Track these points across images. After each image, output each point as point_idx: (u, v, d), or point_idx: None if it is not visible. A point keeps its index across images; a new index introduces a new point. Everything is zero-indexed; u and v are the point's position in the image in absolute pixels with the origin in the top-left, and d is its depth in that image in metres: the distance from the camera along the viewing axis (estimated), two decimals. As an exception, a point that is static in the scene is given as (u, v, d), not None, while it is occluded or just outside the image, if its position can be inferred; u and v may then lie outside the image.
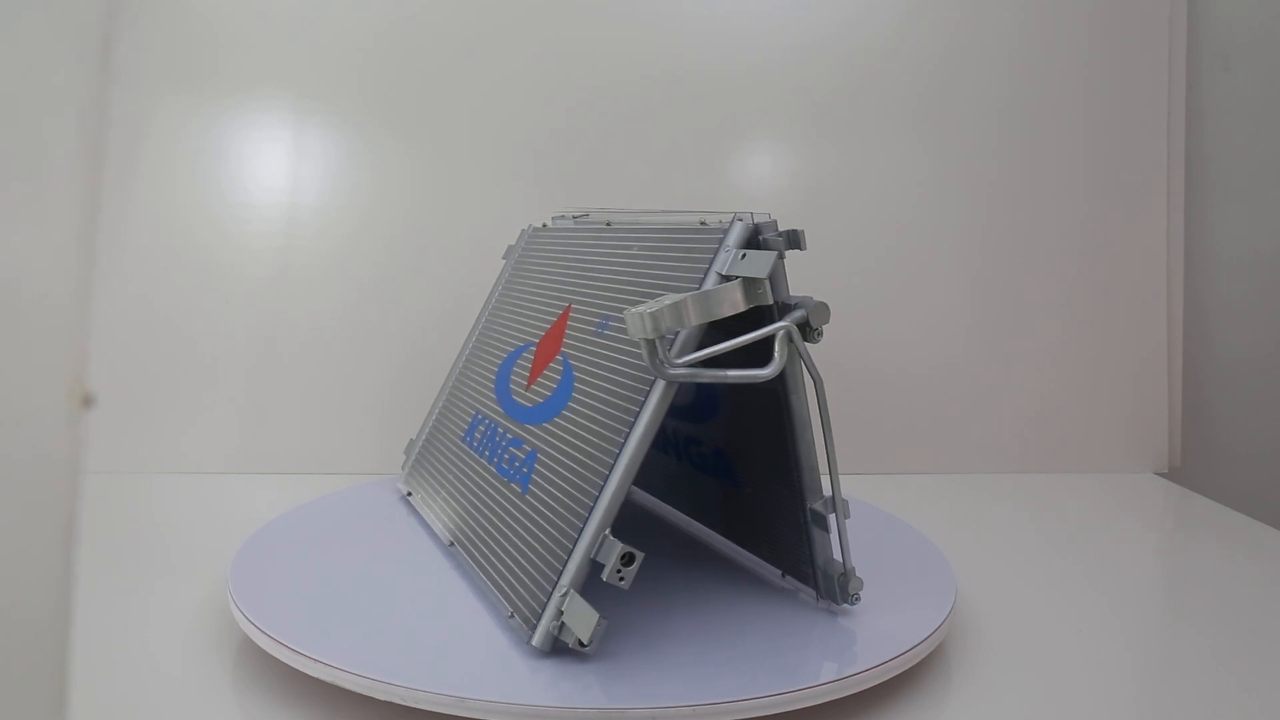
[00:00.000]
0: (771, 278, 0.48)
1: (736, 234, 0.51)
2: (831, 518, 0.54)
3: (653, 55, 1.00)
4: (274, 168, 0.96)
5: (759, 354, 0.49)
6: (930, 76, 1.02)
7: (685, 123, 1.00)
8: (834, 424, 0.99)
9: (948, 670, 0.54)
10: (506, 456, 0.60)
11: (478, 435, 0.66)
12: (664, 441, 0.71)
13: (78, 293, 0.20)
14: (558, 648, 0.49)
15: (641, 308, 0.45)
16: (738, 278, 0.48)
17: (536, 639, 0.48)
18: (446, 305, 0.96)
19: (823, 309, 0.49)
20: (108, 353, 0.92)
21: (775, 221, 0.51)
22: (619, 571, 0.48)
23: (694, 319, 0.46)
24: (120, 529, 0.74)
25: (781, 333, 0.49)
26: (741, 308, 0.47)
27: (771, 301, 0.48)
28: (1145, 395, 1.03)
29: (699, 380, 0.47)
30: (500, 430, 0.63)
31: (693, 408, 0.65)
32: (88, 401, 0.21)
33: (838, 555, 0.54)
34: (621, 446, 0.50)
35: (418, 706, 0.45)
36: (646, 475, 0.76)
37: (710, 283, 0.50)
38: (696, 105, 1.00)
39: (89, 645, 0.55)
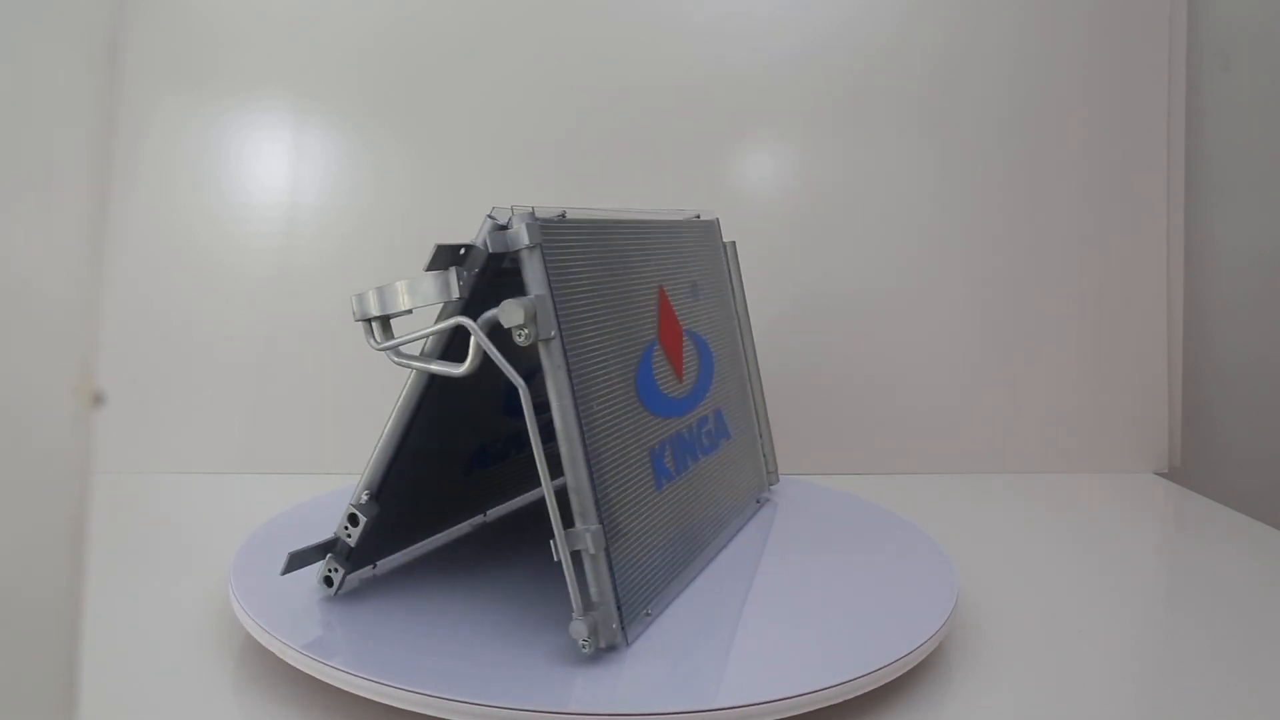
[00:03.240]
0: (527, 277, 0.48)
1: (484, 231, 0.49)
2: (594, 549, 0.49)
3: (654, 56, 1.00)
4: (274, 168, 0.96)
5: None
6: (930, 78, 1.02)
7: (687, 123, 1.00)
8: (836, 425, 0.99)
9: (948, 670, 0.54)
10: None
11: None
12: None
13: (87, 292, 0.20)
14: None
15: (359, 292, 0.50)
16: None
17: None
18: (447, 305, 0.96)
19: (509, 309, 0.47)
20: (108, 353, 0.92)
21: (529, 215, 0.49)
22: (346, 529, 0.54)
23: (375, 309, 0.50)
24: (121, 529, 0.74)
25: (460, 329, 0.48)
26: (427, 301, 0.48)
27: (452, 297, 0.48)
28: (1145, 395, 1.03)
29: (407, 367, 0.50)
30: None
31: None
32: (98, 400, 0.21)
33: (595, 591, 0.48)
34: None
35: (414, 709, 0.45)
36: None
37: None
38: (698, 105, 1.00)
39: (91, 643, 0.55)
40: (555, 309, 0.49)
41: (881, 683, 0.49)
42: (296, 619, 0.52)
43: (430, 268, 0.48)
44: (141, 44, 0.94)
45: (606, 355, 0.53)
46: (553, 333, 0.48)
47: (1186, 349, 1.05)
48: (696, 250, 0.70)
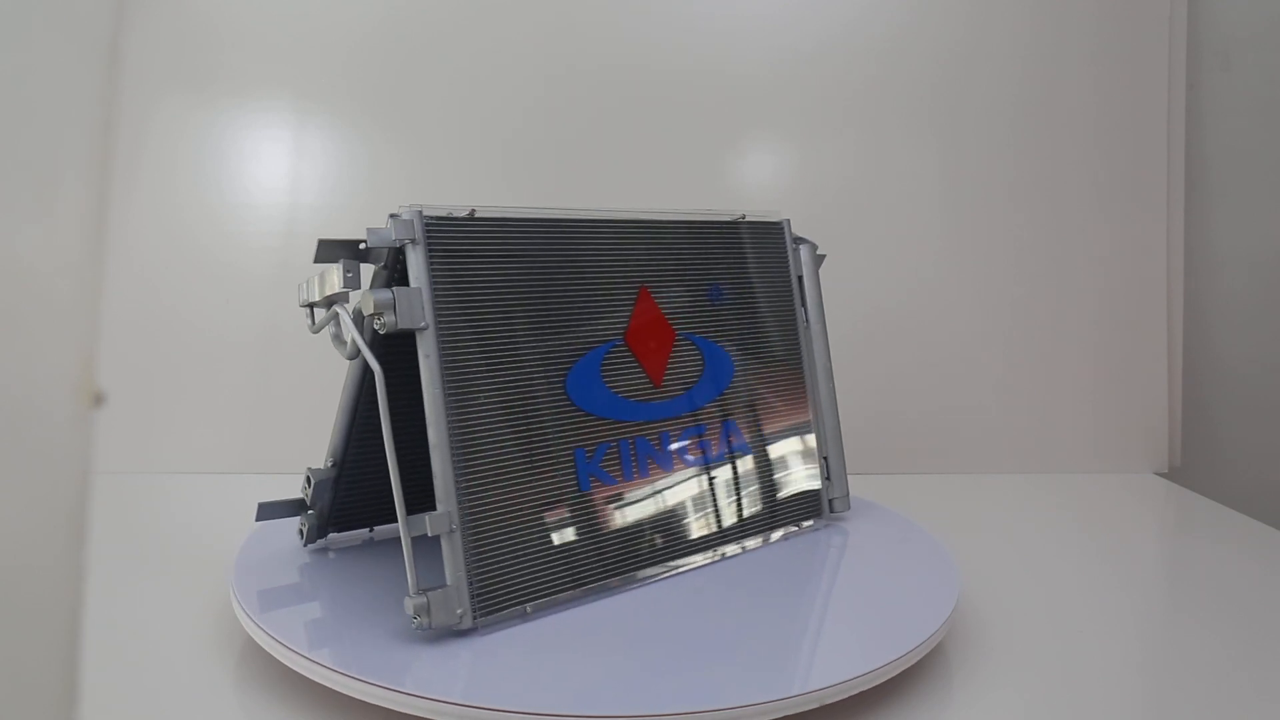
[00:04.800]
0: (408, 270, 0.52)
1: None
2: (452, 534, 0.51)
3: (659, 56, 1.00)
4: (274, 168, 0.96)
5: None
6: (930, 79, 1.02)
7: (692, 123, 1.00)
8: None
9: (948, 670, 0.54)
10: None
11: None
12: None
13: (87, 291, 0.20)
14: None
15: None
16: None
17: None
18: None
19: (364, 298, 0.50)
20: (108, 353, 0.92)
21: (415, 213, 0.52)
22: (304, 489, 0.62)
23: (305, 296, 0.56)
24: (121, 529, 0.74)
25: (335, 316, 0.54)
26: (331, 291, 0.53)
27: (336, 288, 0.53)
28: (1145, 395, 1.03)
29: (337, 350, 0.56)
30: None
31: None
32: (98, 400, 0.21)
33: (449, 573, 0.50)
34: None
35: (411, 713, 0.45)
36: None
37: None
38: (703, 105, 1.00)
39: (91, 644, 0.55)
40: (433, 301, 0.51)
41: (879, 681, 0.49)
42: (297, 620, 0.52)
43: (317, 260, 0.53)
44: (142, 44, 0.94)
45: (517, 350, 0.55)
46: (423, 323, 0.51)
47: (1186, 349, 1.05)
48: (729, 252, 0.67)
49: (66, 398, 0.21)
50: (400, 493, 0.49)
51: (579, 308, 0.58)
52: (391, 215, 0.52)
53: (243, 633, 0.56)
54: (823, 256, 0.75)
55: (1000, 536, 0.80)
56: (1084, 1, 1.02)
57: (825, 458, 0.71)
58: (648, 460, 0.60)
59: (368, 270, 0.55)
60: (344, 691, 0.46)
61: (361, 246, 0.53)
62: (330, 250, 0.53)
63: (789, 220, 0.72)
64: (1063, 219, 1.03)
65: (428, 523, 0.50)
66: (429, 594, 0.49)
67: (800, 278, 0.72)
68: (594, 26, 1.00)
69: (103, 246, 0.21)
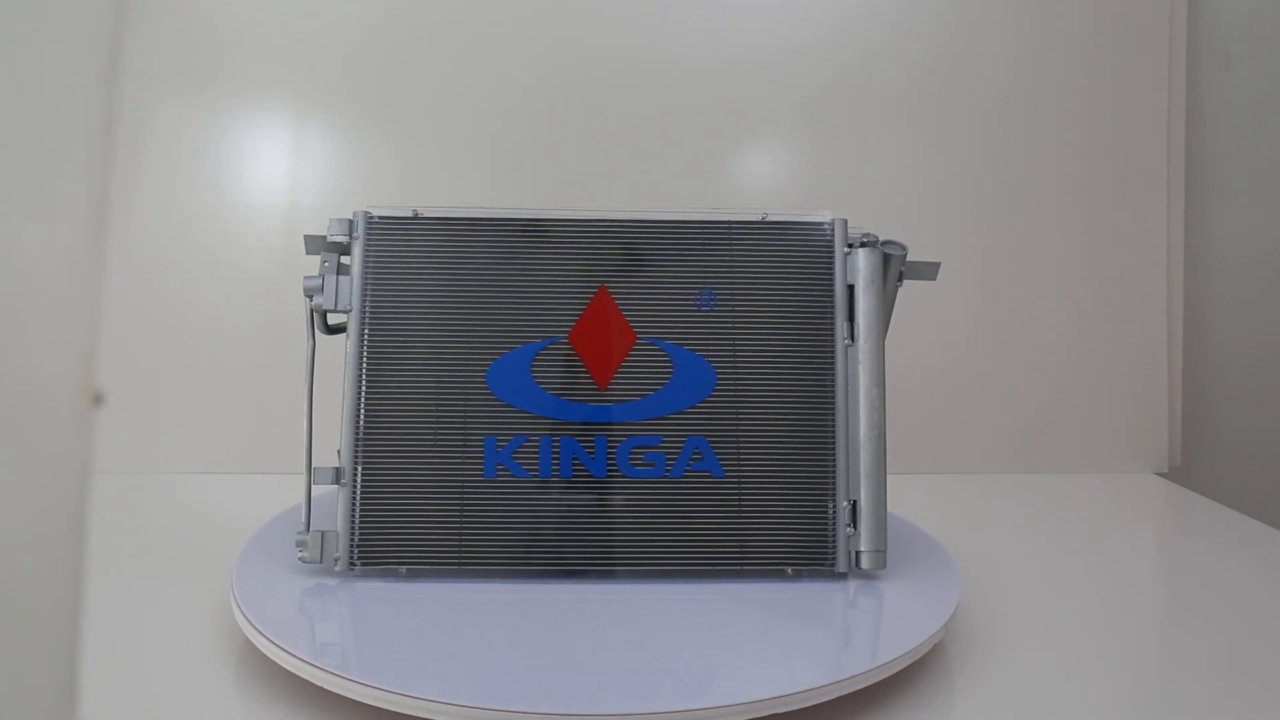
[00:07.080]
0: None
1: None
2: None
3: (656, 55, 1.00)
4: (274, 168, 0.96)
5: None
6: (929, 76, 1.02)
7: (690, 121, 1.00)
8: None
9: (948, 670, 0.54)
10: None
11: None
12: None
13: (88, 290, 0.20)
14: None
15: None
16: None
17: None
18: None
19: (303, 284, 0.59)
20: (108, 352, 0.92)
21: (364, 214, 0.60)
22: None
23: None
24: (121, 529, 0.74)
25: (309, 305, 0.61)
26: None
27: (311, 294, 0.60)
28: (1145, 395, 1.03)
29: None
30: None
31: None
32: (98, 399, 0.21)
33: (337, 518, 0.58)
34: None
35: (413, 714, 0.45)
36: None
37: None
38: (700, 103, 1.00)
39: (92, 645, 0.54)
40: (362, 290, 0.59)
41: (880, 679, 0.49)
42: (297, 622, 0.52)
43: (307, 253, 0.61)
44: (143, 44, 0.94)
45: (439, 338, 0.59)
46: (348, 308, 0.59)
47: (1186, 349, 1.05)
48: (731, 255, 0.62)
49: (67, 397, 0.21)
50: (309, 449, 0.59)
51: (515, 303, 0.60)
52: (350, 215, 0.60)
53: (242, 634, 0.56)
54: (934, 264, 0.64)
55: (1000, 536, 0.80)
56: (1084, 2, 1.02)
57: (854, 501, 0.59)
58: (573, 460, 0.58)
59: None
60: (343, 694, 0.46)
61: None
62: (315, 244, 0.61)
63: (843, 220, 0.64)
64: (1062, 218, 1.03)
65: (313, 474, 0.58)
66: (312, 534, 0.57)
67: (852, 287, 0.62)
68: (596, 26, 1.00)
69: (103, 246, 0.21)
